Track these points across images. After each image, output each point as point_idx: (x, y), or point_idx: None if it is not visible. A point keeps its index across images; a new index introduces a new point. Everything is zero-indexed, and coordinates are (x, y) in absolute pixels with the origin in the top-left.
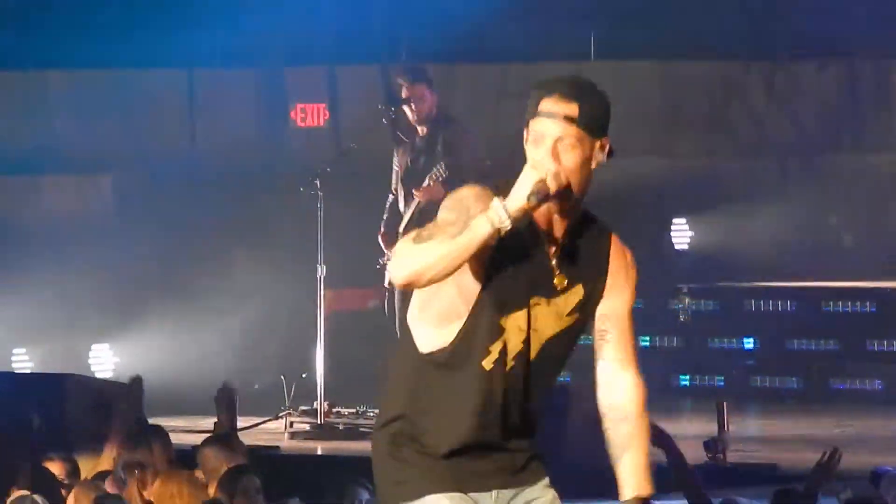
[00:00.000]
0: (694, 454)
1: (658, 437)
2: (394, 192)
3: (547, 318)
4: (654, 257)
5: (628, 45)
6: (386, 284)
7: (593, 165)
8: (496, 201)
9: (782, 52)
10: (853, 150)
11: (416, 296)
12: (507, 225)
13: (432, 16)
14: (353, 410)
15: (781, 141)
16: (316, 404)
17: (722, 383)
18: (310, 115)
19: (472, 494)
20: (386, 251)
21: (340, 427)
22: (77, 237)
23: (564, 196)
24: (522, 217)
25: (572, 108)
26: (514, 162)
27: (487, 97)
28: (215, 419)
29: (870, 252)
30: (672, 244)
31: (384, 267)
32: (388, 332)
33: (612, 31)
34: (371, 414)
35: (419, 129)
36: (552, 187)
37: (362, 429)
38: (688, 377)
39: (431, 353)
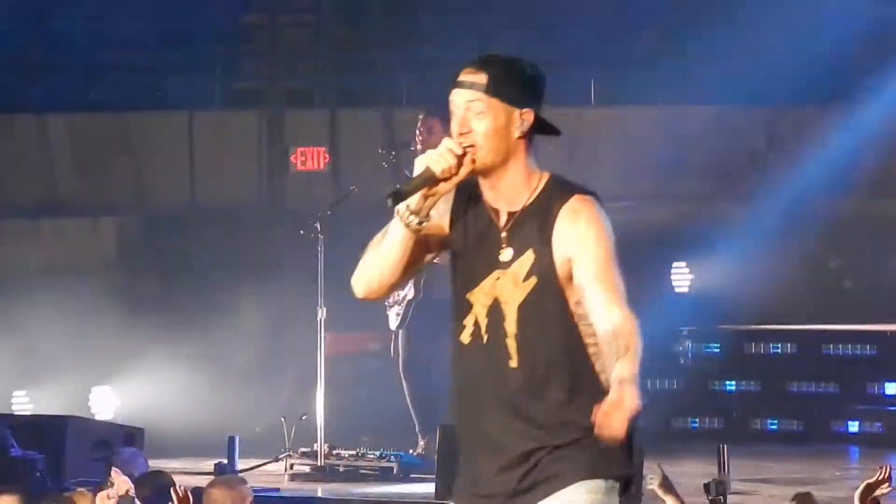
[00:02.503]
0: (694, 497)
1: (665, 485)
2: None
3: (508, 286)
4: (654, 300)
5: (629, 90)
6: (392, 327)
7: (516, 135)
8: (401, 204)
9: (783, 96)
10: (854, 194)
11: None
12: (412, 220)
13: (435, 62)
14: (354, 452)
15: (782, 185)
16: (316, 446)
17: (722, 426)
18: (310, 158)
19: None
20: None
21: (340, 469)
22: (78, 280)
23: (477, 166)
24: (427, 205)
25: (480, 77)
26: None
27: None
28: (216, 461)
29: (870, 295)
30: (673, 287)
31: (390, 307)
32: (389, 374)
33: (612, 77)
34: (371, 456)
35: None
36: (437, 169)
37: (362, 471)
38: (688, 419)
39: None
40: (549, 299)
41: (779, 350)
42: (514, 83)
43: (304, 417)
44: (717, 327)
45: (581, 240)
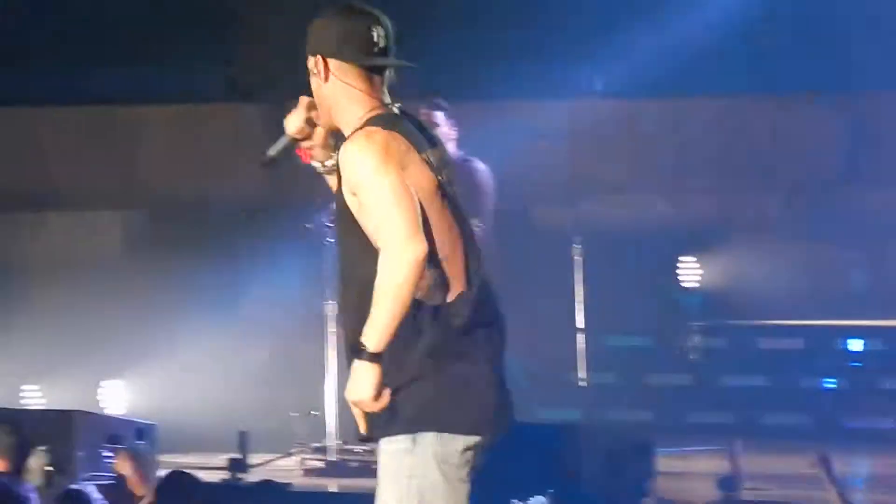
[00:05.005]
0: (707, 492)
1: None
2: None
3: None
4: (663, 296)
5: (635, 84)
6: None
7: (324, 83)
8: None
9: (787, 88)
10: (862, 186)
11: None
12: (319, 168)
13: (442, 51)
14: (366, 448)
15: (789, 177)
16: (328, 441)
17: (735, 421)
18: None
19: None
20: None
21: (353, 464)
22: (89, 274)
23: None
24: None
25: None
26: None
27: (490, 135)
28: (229, 456)
29: (880, 290)
30: (680, 283)
31: None
32: None
33: (619, 71)
34: None
35: None
36: (290, 130)
37: (374, 466)
38: (700, 415)
39: None
40: (346, 231)
41: (789, 345)
42: (310, 35)
43: (314, 413)
44: (726, 322)
45: (347, 185)
